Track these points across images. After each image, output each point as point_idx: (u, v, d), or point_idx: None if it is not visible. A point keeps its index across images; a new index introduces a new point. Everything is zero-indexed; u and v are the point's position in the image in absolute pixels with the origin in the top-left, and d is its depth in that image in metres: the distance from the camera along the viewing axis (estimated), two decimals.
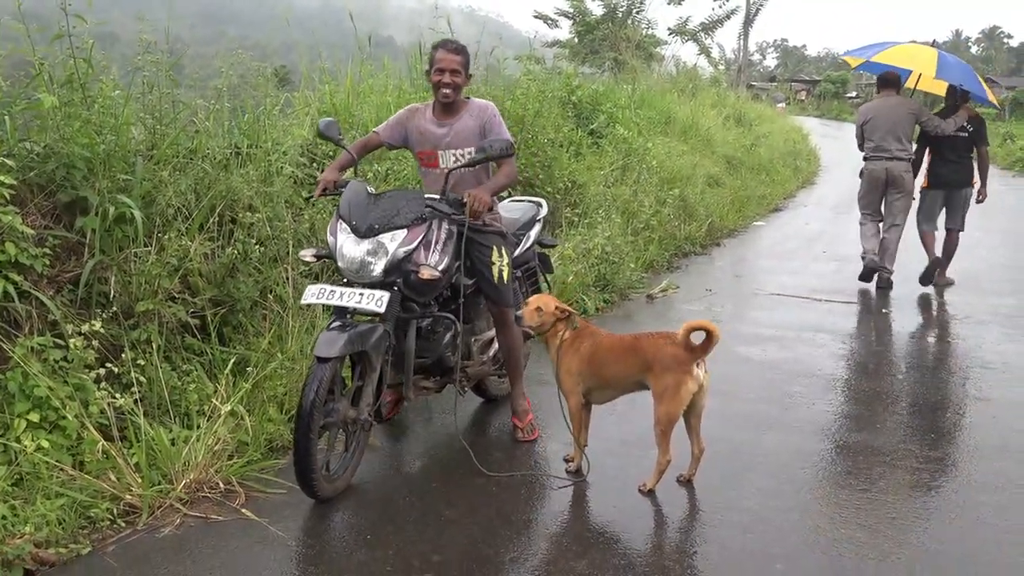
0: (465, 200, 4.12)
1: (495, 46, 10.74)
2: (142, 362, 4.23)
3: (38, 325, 4.15)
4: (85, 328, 4.02)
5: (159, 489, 3.78)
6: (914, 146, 8.39)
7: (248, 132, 5.99)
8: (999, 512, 3.88)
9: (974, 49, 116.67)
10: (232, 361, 4.47)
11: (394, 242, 3.94)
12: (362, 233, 3.94)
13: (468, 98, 4.54)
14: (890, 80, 8.37)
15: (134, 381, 4.12)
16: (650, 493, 4.04)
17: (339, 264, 3.98)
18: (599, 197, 9.32)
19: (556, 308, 4.12)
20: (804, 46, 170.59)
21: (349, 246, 3.94)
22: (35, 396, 3.81)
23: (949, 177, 8.41)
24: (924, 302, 7.99)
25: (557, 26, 28.58)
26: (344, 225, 3.99)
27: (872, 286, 8.58)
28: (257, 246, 5.14)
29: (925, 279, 8.51)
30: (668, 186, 10.95)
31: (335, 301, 3.85)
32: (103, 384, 3.98)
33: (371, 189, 4.26)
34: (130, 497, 3.69)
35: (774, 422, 4.96)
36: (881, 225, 8.50)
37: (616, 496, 4.05)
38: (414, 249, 4.00)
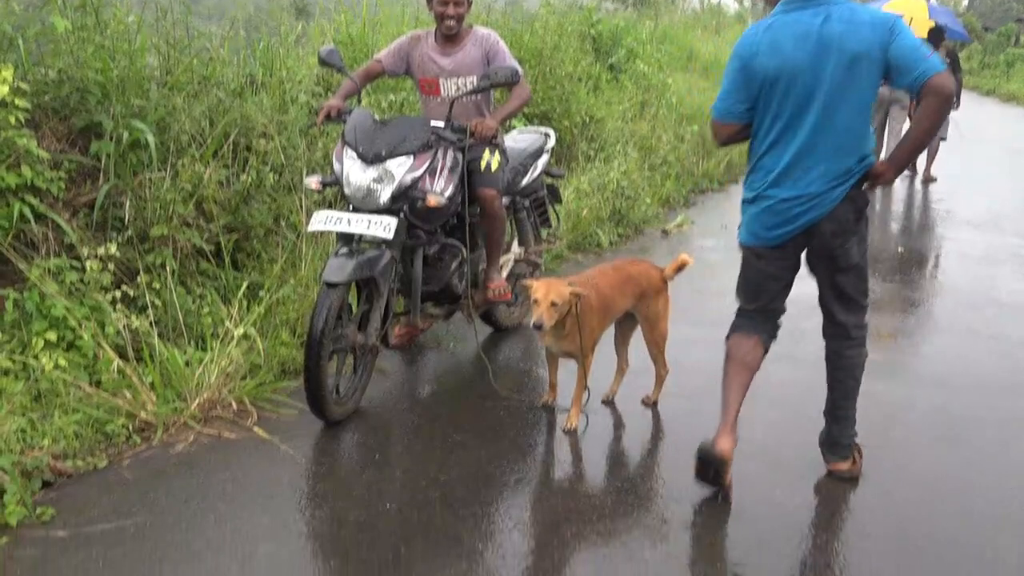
0: (472, 128, 4.13)
1: None
2: (157, 286, 4.29)
3: (54, 247, 4.22)
4: (101, 251, 4.08)
5: (173, 407, 3.87)
6: None
7: (263, 61, 5.98)
8: (1002, 447, 3.92)
9: None
10: (245, 285, 4.53)
11: (401, 168, 3.92)
12: (369, 160, 3.91)
13: (471, 26, 4.49)
14: None
15: (149, 304, 4.18)
16: (654, 406, 4.22)
17: (345, 191, 3.98)
18: (616, 132, 9.23)
19: (571, 294, 3.68)
20: None
21: (356, 173, 3.93)
22: (52, 316, 3.89)
23: None
24: (939, 240, 7.94)
25: None
26: (350, 151, 3.96)
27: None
28: (271, 174, 5.17)
29: (914, 176, 11.20)
30: (688, 122, 10.83)
31: (342, 228, 3.85)
32: (119, 306, 4.05)
33: (376, 116, 4.22)
34: (145, 415, 3.78)
35: (783, 355, 4.96)
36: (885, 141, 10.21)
37: (620, 422, 4.11)
38: (420, 176, 3.99)
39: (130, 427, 3.73)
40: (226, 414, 3.94)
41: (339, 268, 3.73)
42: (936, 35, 9.93)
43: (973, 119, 19.11)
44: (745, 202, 3.40)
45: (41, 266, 3.99)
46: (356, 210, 3.96)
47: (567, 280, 3.81)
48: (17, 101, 4.01)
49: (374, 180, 3.91)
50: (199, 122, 5.01)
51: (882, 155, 8.60)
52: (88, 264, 4.05)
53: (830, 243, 3.30)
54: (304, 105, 5.76)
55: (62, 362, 3.78)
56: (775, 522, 3.30)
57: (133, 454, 3.62)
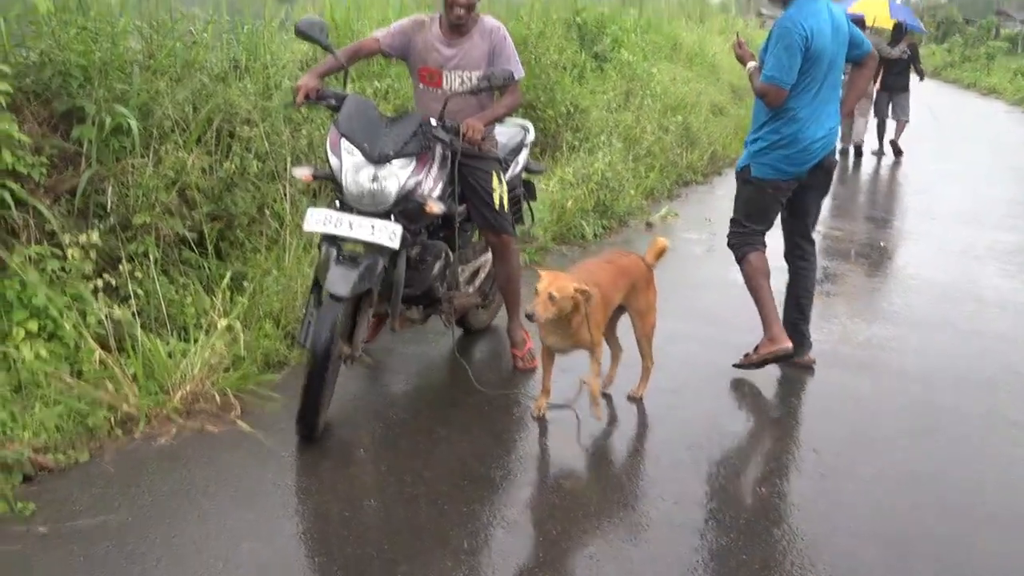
0: (463, 129, 3.90)
1: None
2: (139, 275, 4.24)
3: (35, 234, 4.14)
4: (83, 239, 4.02)
5: (156, 400, 3.83)
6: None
7: (247, 45, 5.91)
8: (983, 441, 3.97)
9: None
10: (229, 276, 4.48)
11: (404, 171, 3.70)
12: (375, 159, 3.64)
13: (477, 14, 4.22)
14: (857, 21, 10.80)
15: (131, 293, 4.13)
16: (639, 400, 4.23)
17: (345, 189, 3.68)
18: (601, 122, 9.22)
19: (575, 291, 3.64)
20: None
21: (359, 172, 3.65)
22: (33, 305, 3.82)
23: (894, 84, 12.21)
24: (920, 236, 7.99)
25: None
26: (351, 147, 3.67)
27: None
28: (255, 161, 5.11)
29: (879, 152, 12.65)
30: (672, 113, 10.82)
31: (344, 232, 3.58)
32: (101, 295, 4.00)
33: (378, 109, 4.01)
34: (127, 407, 3.74)
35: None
36: (856, 116, 11.82)
37: (606, 417, 4.11)
38: (421, 180, 3.79)
39: (112, 420, 3.68)
40: (209, 407, 3.90)
41: (343, 279, 3.49)
42: (898, 30, 12.15)
43: (954, 113, 19.35)
44: (769, 146, 4.37)
45: (22, 254, 3.92)
46: (350, 209, 3.69)
47: (572, 276, 3.75)
48: None
49: (379, 181, 3.65)
50: (182, 107, 4.95)
51: (853, 137, 12.21)
52: (70, 252, 3.99)
53: (830, 172, 4.59)
54: (288, 91, 5.70)
55: (43, 352, 3.73)
56: (760, 519, 3.32)
57: (115, 447, 3.58)
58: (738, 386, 4.54)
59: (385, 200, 3.67)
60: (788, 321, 4.62)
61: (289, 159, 5.31)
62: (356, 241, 3.61)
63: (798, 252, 4.69)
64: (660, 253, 4.24)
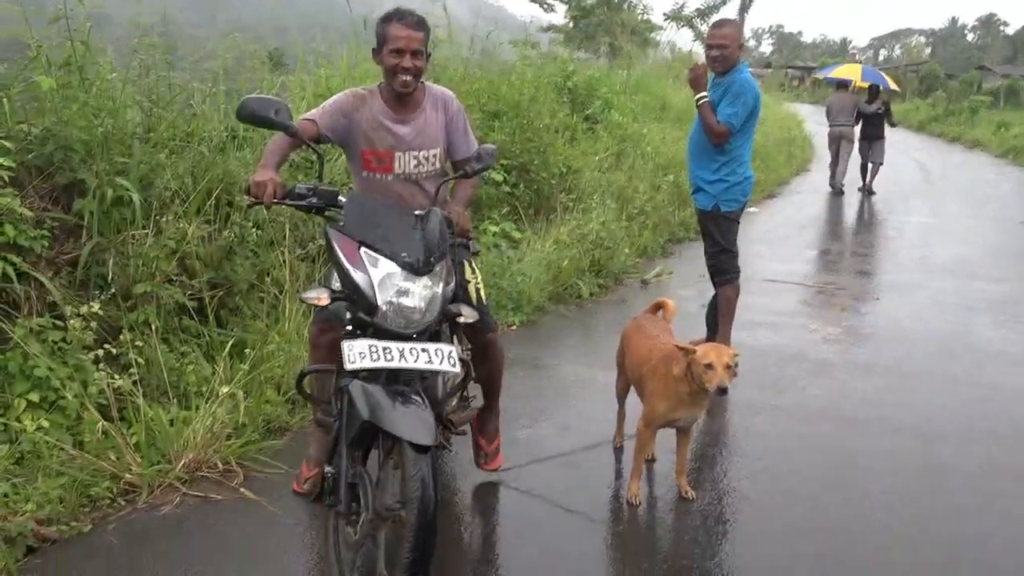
0: (455, 219, 3.32)
1: (491, 30, 10.76)
2: (140, 344, 4.26)
3: (37, 306, 4.17)
4: (84, 310, 4.05)
5: (158, 469, 3.82)
6: (854, 118, 14.89)
7: None
8: (986, 497, 3.96)
9: (970, 36, 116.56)
10: (230, 343, 4.50)
11: (440, 276, 3.04)
12: (419, 269, 2.95)
13: (422, 82, 3.63)
14: (842, 84, 15.62)
15: (133, 362, 4.14)
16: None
17: (379, 309, 2.90)
18: (594, 182, 9.35)
19: (734, 355, 3.56)
20: (800, 32, 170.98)
21: (396, 286, 2.92)
22: (35, 376, 3.84)
23: (872, 134, 14.94)
24: (914, 288, 8.05)
25: (553, 10, 28.60)
26: (376, 257, 2.94)
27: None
28: (254, 229, 5.17)
29: (863, 190, 15.07)
30: (663, 172, 10.98)
31: (401, 364, 2.85)
32: (102, 365, 4.01)
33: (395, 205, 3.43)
34: (130, 476, 3.73)
35: (765, 405, 5.02)
36: (839, 162, 15.11)
37: (603, 476, 4.10)
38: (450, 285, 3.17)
39: (114, 489, 3.68)
40: (212, 474, 3.89)
41: (421, 423, 2.75)
42: (873, 91, 15.06)
43: (941, 167, 19.60)
44: (731, 185, 5.40)
45: (24, 325, 3.95)
46: (384, 333, 2.92)
47: (705, 346, 3.62)
48: (1, 159, 4.00)
49: (421, 295, 2.96)
50: (182, 178, 5.02)
51: (836, 177, 15.10)
52: (71, 323, 4.02)
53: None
54: (287, 162, 5.77)
55: (45, 423, 3.74)
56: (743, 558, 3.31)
57: (118, 517, 3.56)
58: (733, 438, 4.54)
59: (431, 316, 2.99)
60: (715, 323, 5.63)
61: (288, 226, 5.37)
62: (408, 371, 2.91)
63: (715, 271, 5.62)
64: (672, 314, 4.33)
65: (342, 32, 9.04)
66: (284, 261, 5.25)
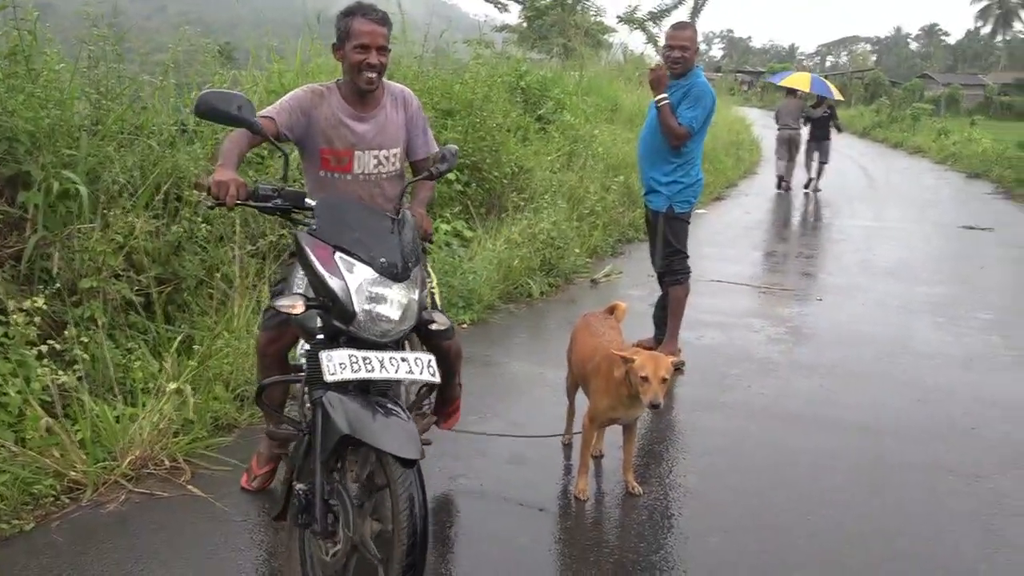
0: (418, 222, 3.27)
1: (445, 28, 10.76)
2: (86, 339, 4.20)
3: None
4: (27, 304, 3.98)
5: (104, 466, 3.78)
6: (801, 122, 16.09)
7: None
8: (928, 492, 4.08)
9: (913, 45, 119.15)
10: (178, 339, 4.46)
11: (416, 282, 2.93)
12: (398, 275, 2.84)
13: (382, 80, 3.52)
14: (791, 91, 16.56)
15: (78, 358, 4.09)
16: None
17: (356, 317, 2.76)
18: (545, 182, 9.41)
19: (673, 364, 3.62)
20: (750, 37, 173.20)
21: (375, 292, 2.79)
22: None
23: (819, 136, 15.99)
24: (856, 290, 8.23)
25: (506, 10, 28.64)
26: (352, 261, 2.79)
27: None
28: (203, 225, 5.13)
29: (807, 186, 16.08)
30: (614, 173, 11.09)
31: (382, 374, 2.74)
32: (46, 361, 3.95)
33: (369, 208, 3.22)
34: (74, 473, 3.69)
35: (711, 403, 5.10)
36: (787, 162, 16.12)
37: (551, 471, 4.15)
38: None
39: (58, 487, 3.63)
40: (159, 471, 3.86)
41: (407, 436, 2.66)
42: (820, 99, 16.27)
43: (884, 172, 20.05)
44: (684, 187, 5.55)
45: None
46: (359, 342, 2.79)
47: (637, 351, 3.68)
48: None
49: (399, 302, 2.84)
50: (131, 172, 4.96)
51: (785, 176, 16.07)
52: (13, 318, 3.95)
53: None
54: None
55: None
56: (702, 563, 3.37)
57: (62, 515, 3.52)
58: (679, 435, 4.62)
59: (408, 324, 2.89)
60: (665, 320, 5.81)
61: (238, 222, 5.33)
62: (386, 381, 2.82)
63: (667, 271, 5.76)
64: (623, 315, 4.41)
65: (294, 27, 8.98)
66: (234, 257, 5.22)
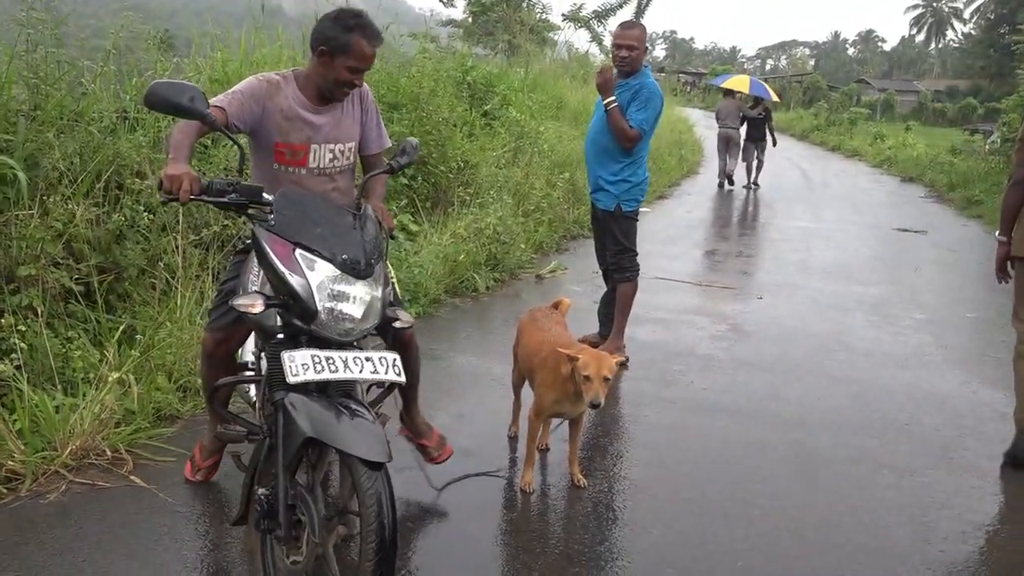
0: (379, 217, 3.13)
1: (390, 22, 10.71)
2: (24, 328, 4.12)
3: None
4: None
5: (43, 456, 3.71)
6: (739, 122, 16.89)
7: (137, 96, 5.85)
8: (859, 484, 4.20)
9: (851, 51, 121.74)
10: (120, 329, 4.40)
11: (379, 279, 2.88)
12: (361, 272, 2.77)
13: None
14: (730, 92, 17.50)
15: (15, 347, 4.01)
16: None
17: (318, 316, 2.69)
18: (491, 178, 9.44)
19: (616, 364, 3.69)
20: (692, 39, 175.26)
21: (338, 290, 2.73)
22: None
23: (755, 135, 17.02)
24: (795, 289, 8.42)
25: (452, 5, 28.59)
26: (313, 259, 2.71)
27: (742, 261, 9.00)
28: (146, 213, 5.06)
29: (748, 186, 16.84)
30: (559, 169, 11.17)
31: (347, 375, 2.67)
32: None
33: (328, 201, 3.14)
34: (12, 463, 3.62)
35: (654, 398, 5.19)
36: (728, 159, 16.93)
37: (498, 464, 4.18)
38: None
39: None
40: (101, 461, 3.80)
41: (373, 439, 2.59)
42: (757, 100, 17.36)
43: (822, 174, 20.49)
44: (632, 186, 5.62)
45: None
46: (321, 341, 2.73)
47: (581, 348, 3.76)
48: None
49: (363, 299, 2.78)
50: (71, 159, 4.87)
51: (725, 171, 16.87)
52: None
53: None
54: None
55: None
56: (642, 566, 3.44)
57: (0, 505, 3.45)
58: (623, 428, 4.69)
59: (372, 322, 2.84)
60: (610, 315, 5.85)
61: (181, 211, 5.26)
62: (348, 380, 2.76)
63: (616, 268, 5.81)
64: (567, 310, 4.46)
65: (235, 16, 8.87)
66: (177, 247, 5.15)
